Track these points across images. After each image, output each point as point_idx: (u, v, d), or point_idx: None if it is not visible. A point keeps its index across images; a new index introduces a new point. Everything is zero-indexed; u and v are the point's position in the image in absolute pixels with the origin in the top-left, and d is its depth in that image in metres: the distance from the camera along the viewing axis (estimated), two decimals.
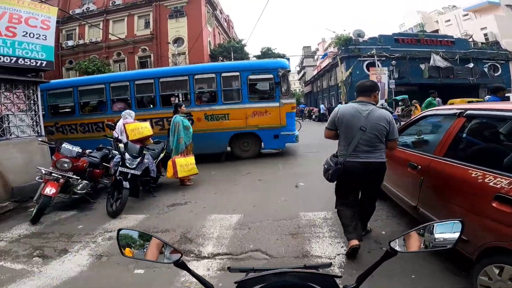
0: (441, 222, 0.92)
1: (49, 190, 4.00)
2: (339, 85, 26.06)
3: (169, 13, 26.98)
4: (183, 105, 5.78)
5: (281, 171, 6.50)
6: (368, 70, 22.86)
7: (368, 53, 23.62)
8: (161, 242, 0.93)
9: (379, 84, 21.12)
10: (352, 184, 2.71)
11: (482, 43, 28.06)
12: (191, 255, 2.92)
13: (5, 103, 5.38)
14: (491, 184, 1.83)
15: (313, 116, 27.91)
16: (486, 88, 22.97)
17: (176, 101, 7.82)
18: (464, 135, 2.47)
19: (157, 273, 2.65)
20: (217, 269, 2.65)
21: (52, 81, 7.95)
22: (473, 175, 1.98)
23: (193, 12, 26.33)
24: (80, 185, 4.48)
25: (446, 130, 2.52)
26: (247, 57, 32.21)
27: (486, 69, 24.56)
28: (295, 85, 73.54)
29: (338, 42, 26.43)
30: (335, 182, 2.79)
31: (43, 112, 6.71)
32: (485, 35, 29.61)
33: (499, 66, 25.66)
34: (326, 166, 2.80)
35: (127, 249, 0.95)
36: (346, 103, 22.73)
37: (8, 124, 5.42)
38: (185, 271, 0.89)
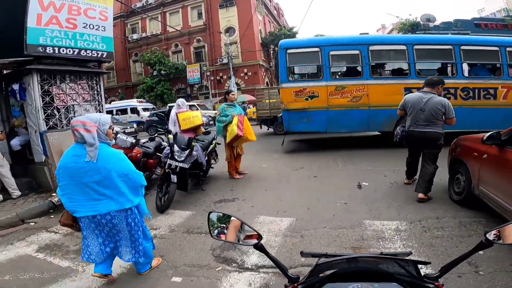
0: None
1: None
2: None
3: (219, 2, 27.20)
4: (232, 92, 5.40)
5: (340, 166, 5.74)
6: None
7: None
8: (240, 222, 0.98)
9: None
10: (412, 146, 4.05)
11: None
12: (233, 264, 2.57)
13: (70, 93, 5.69)
14: None
15: None
16: None
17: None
18: None
19: (194, 284, 2.38)
20: (260, 285, 2.26)
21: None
22: None
23: (242, 0, 26.15)
24: None
25: None
26: None
27: None
28: None
29: (403, 27, 23.65)
30: None
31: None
32: None
33: None
34: (395, 133, 4.10)
35: (215, 231, 1.00)
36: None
37: (74, 114, 5.74)
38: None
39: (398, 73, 6.95)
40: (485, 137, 2.96)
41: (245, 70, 26.64)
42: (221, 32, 25.39)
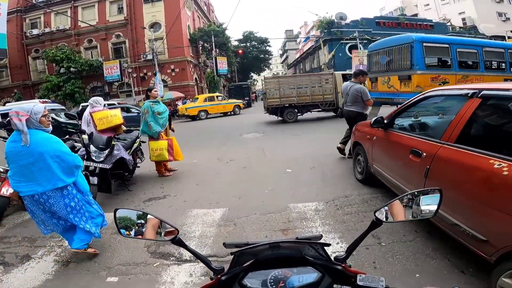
0: (421, 190, 0.92)
1: (6, 190, 3.54)
2: (322, 67, 26.13)
3: None
4: (155, 88, 5.27)
5: (267, 156, 6.18)
6: (351, 53, 23.21)
7: (351, 36, 23.78)
8: (158, 220, 0.93)
9: (361, 66, 21.46)
10: (346, 120, 5.30)
11: (460, 27, 28.87)
12: (171, 258, 2.58)
13: None
14: None
15: None
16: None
17: None
18: (480, 118, 2.13)
19: (132, 281, 2.33)
20: (200, 274, 2.34)
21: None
22: (496, 165, 1.69)
23: None
24: None
25: (457, 112, 2.20)
26: (228, 41, 31.30)
27: None
28: (278, 68, 73.31)
29: (321, 25, 26.52)
30: None
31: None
32: (463, 19, 30.50)
33: None
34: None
35: (123, 230, 0.94)
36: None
37: None
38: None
39: (499, 68, 8.96)
40: (372, 122, 3.40)
41: (172, 67, 25.63)
42: (145, 28, 23.93)
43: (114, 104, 14.87)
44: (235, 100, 20.23)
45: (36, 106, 2.43)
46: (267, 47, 41.53)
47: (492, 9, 31.53)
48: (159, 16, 25.52)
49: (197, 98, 19.01)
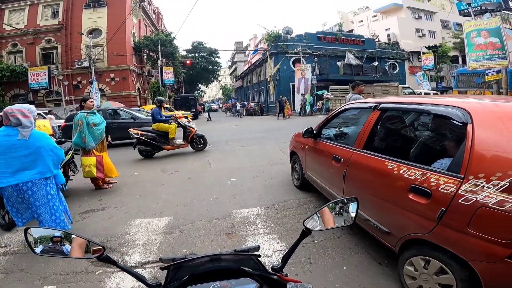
0: (339, 200, 1.02)
1: None
2: (268, 80, 26.87)
3: (85, 2, 24.12)
4: (91, 99, 5.01)
5: (212, 167, 6.32)
6: (294, 66, 24.08)
7: (295, 50, 24.83)
8: (79, 237, 0.88)
9: (303, 79, 22.68)
10: None
11: (385, 43, 31.72)
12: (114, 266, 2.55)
13: None
14: (405, 175, 1.89)
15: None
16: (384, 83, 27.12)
17: None
18: (380, 127, 2.56)
19: None
20: (148, 278, 2.36)
21: None
22: (389, 167, 2.06)
23: (116, 2, 24.04)
24: None
25: (364, 123, 2.62)
26: (177, 51, 30.71)
27: (387, 67, 28.22)
28: (226, 80, 73.86)
29: (268, 38, 27.19)
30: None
31: None
32: (388, 35, 33.27)
33: (397, 64, 29.76)
34: None
35: (39, 248, 0.88)
36: (275, 96, 23.62)
37: None
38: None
39: None
40: (303, 132, 3.71)
41: (112, 75, 24.07)
42: (82, 34, 22.23)
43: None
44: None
45: (32, 106, 2.88)
46: (216, 58, 41.61)
47: (412, 25, 33.45)
48: (101, 22, 24.10)
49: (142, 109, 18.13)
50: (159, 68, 26.11)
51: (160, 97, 8.45)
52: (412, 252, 1.86)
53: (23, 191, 2.74)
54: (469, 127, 1.63)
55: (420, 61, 27.09)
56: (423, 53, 25.94)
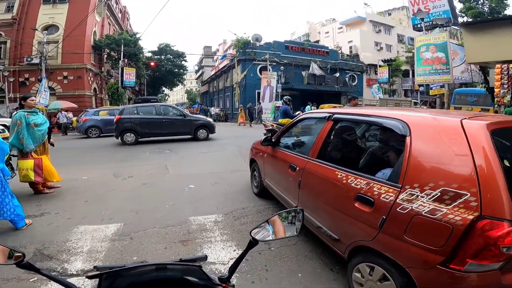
0: (287, 211, 1.04)
1: None
2: (234, 86, 26.79)
3: None
4: (32, 97, 4.57)
5: (170, 173, 6.11)
6: (261, 74, 24.19)
7: (262, 57, 25.04)
8: (4, 247, 0.84)
9: (268, 87, 22.87)
10: None
11: (347, 55, 32.86)
12: (53, 273, 2.32)
13: None
14: (353, 185, 1.98)
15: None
16: (346, 96, 28.08)
17: None
18: (333, 137, 2.67)
19: None
20: (92, 287, 2.20)
21: None
22: (339, 176, 2.16)
23: None
24: None
25: (318, 132, 2.71)
26: (141, 52, 29.52)
27: (347, 79, 29.40)
28: (192, 84, 72.50)
29: (237, 45, 27.04)
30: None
31: None
32: (350, 47, 34.05)
33: (356, 76, 31.10)
34: None
35: None
36: (240, 104, 23.44)
37: None
38: None
39: None
40: (262, 140, 3.79)
41: (65, 73, 22.38)
42: (36, 29, 20.62)
43: None
44: None
45: None
46: (183, 62, 40.60)
47: (372, 39, 33.97)
48: (59, 18, 22.55)
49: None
50: (120, 69, 24.86)
51: (288, 96, 9.21)
52: (359, 259, 1.93)
53: None
54: (408, 139, 1.76)
55: (377, 74, 28.42)
56: (380, 66, 27.30)
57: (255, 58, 25.49)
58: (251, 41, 26.68)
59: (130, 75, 25.10)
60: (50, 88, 20.39)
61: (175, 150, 8.86)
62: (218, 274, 0.89)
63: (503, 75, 7.53)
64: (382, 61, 28.45)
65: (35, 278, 2.28)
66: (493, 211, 1.33)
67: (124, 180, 5.49)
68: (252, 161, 4.58)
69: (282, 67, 25.26)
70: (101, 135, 13.95)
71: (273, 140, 3.67)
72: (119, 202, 4.22)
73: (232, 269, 0.90)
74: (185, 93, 68.83)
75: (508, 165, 1.46)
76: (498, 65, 7.61)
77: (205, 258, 0.93)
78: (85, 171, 6.16)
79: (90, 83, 24.23)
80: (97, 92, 26.16)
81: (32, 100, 4.51)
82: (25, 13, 22.39)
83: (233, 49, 33.00)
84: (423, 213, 1.51)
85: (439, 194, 1.49)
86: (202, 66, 59.35)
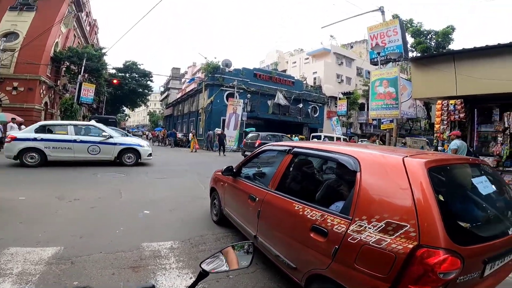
0: (238, 244, 1.07)
1: None
2: (200, 111, 26.40)
3: (13, 4, 21.26)
4: None
5: (123, 197, 5.73)
6: (227, 100, 24.07)
7: (230, 84, 24.96)
8: None
9: (234, 114, 22.77)
10: None
11: (311, 86, 33.40)
12: None
13: None
14: (308, 216, 2.09)
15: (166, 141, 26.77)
16: (307, 127, 28.13)
17: None
18: (292, 170, 2.81)
19: None
20: None
21: None
22: (296, 207, 2.26)
23: (48, 7, 21.51)
24: None
25: (279, 165, 2.83)
26: (105, 68, 28.36)
27: (309, 110, 29.65)
28: (156, 105, 70.46)
29: (207, 69, 26.77)
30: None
31: None
32: (315, 79, 34.40)
33: (318, 108, 31.48)
34: None
35: None
36: (204, 129, 22.87)
37: None
38: None
39: None
40: (223, 170, 3.79)
41: (16, 84, 20.52)
42: None
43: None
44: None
45: None
46: (149, 82, 39.42)
47: (334, 71, 34.23)
48: (21, 26, 21.13)
49: None
50: (78, 84, 23.48)
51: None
52: (315, 286, 1.99)
53: None
54: (358, 174, 1.92)
55: (336, 106, 29.13)
56: (339, 98, 28.02)
57: (223, 84, 25.43)
58: (221, 66, 26.52)
59: (88, 91, 23.82)
60: None
61: (132, 175, 8.40)
62: None
63: (443, 111, 7.78)
64: (342, 93, 29.37)
65: None
66: (430, 240, 1.48)
67: (69, 202, 5.04)
68: (213, 190, 4.55)
69: (249, 95, 25.32)
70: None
71: (234, 170, 3.71)
72: (61, 225, 3.85)
73: None
74: (148, 114, 66.72)
75: (443, 199, 1.66)
76: (439, 101, 7.98)
77: (152, 287, 0.87)
78: (23, 190, 5.55)
79: (42, 96, 22.38)
80: (48, 107, 24.15)
81: None
82: None
83: (202, 73, 32.67)
84: (370, 243, 1.63)
85: (384, 225, 1.63)
86: (169, 88, 58.41)
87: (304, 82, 33.23)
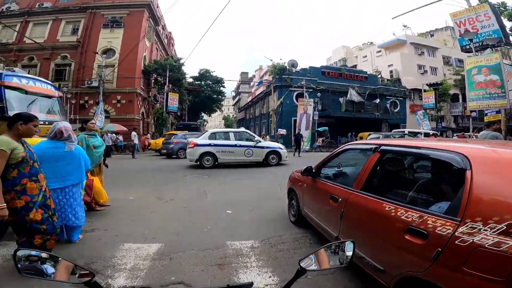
0: (338, 242, 1.05)
1: None
2: (271, 113, 26.72)
3: (104, 22, 25.00)
4: (92, 121, 5.08)
5: (208, 198, 6.24)
6: (297, 101, 23.83)
7: (299, 84, 24.68)
8: (70, 263, 0.90)
9: (305, 114, 22.40)
10: None
11: (387, 79, 30.96)
12: None
13: None
14: (403, 217, 1.97)
15: None
16: (387, 123, 26.04)
17: None
18: (379, 169, 2.63)
19: None
20: None
21: None
22: (387, 208, 2.11)
23: (132, 24, 24.90)
24: None
25: (363, 164, 2.69)
26: (184, 77, 31.22)
27: (388, 105, 27.19)
28: (229, 110, 74.66)
29: (274, 71, 27.12)
30: None
31: None
32: (391, 72, 32.11)
33: (398, 102, 28.80)
34: None
35: (24, 268, 0.89)
36: (276, 131, 23.06)
37: None
38: None
39: None
40: (302, 170, 3.78)
41: (119, 97, 24.21)
42: (97, 53, 22.62)
43: None
44: None
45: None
46: (221, 88, 41.19)
47: (414, 62, 31.99)
48: (116, 42, 24.59)
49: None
50: (165, 94, 26.17)
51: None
52: None
53: (65, 193, 3.34)
54: (468, 172, 1.69)
55: (421, 99, 26.48)
56: (425, 90, 25.42)
57: (291, 85, 25.28)
58: (287, 67, 26.45)
59: (173, 101, 26.34)
60: (105, 111, 21.99)
61: (213, 176, 9.07)
62: None
63: None
64: (427, 85, 26.68)
65: None
66: None
67: (166, 202, 5.74)
68: (291, 190, 4.56)
69: (319, 93, 24.67)
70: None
71: (313, 170, 3.66)
72: (160, 222, 4.39)
73: None
74: (223, 119, 71.03)
75: None
76: None
77: (251, 284, 0.94)
78: (131, 192, 6.54)
79: (139, 107, 25.86)
80: (145, 116, 27.86)
81: (92, 123, 5.01)
82: (88, 36, 24.68)
83: (269, 75, 33.11)
84: (486, 245, 1.46)
85: (505, 227, 1.44)
86: (239, 92, 60.82)
87: (379, 76, 31.01)
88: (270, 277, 2.79)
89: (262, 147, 11.17)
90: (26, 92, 7.06)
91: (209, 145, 10.57)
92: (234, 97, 69.17)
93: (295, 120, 23.57)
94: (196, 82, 38.99)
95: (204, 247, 3.45)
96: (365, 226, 2.40)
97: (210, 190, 6.93)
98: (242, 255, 3.27)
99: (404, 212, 1.97)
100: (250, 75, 59.52)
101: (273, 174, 9.52)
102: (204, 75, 39.51)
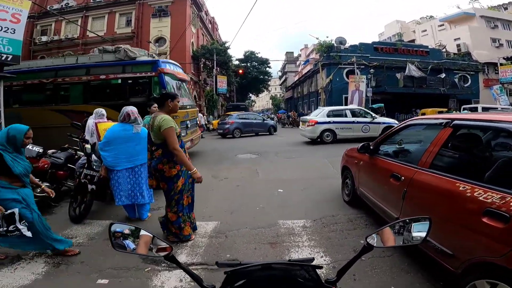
0: (411, 219, 0.97)
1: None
2: (319, 91, 26.08)
3: (152, 12, 26.28)
4: (154, 105, 5.16)
5: (260, 176, 6.35)
6: (348, 78, 22.92)
7: (348, 61, 23.65)
8: (150, 236, 0.95)
9: (357, 91, 21.38)
10: None
11: (454, 53, 28.40)
12: (162, 264, 2.69)
13: None
14: (480, 198, 1.77)
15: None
16: (455, 99, 23.92)
17: None
18: (451, 146, 2.38)
19: (122, 284, 2.44)
20: (190, 280, 2.45)
21: None
22: (461, 188, 1.91)
23: (178, 12, 25.72)
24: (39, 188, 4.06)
25: (432, 140, 2.44)
26: (230, 60, 31.76)
27: (456, 80, 24.95)
28: (276, 90, 74.28)
29: (320, 49, 26.13)
30: None
31: None
32: (458, 46, 29.45)
33: (469, 77, 26.36)
34: None
35: (119, 243, 0.95)
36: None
37: None
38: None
39: None
40: (359, 147, 3.65)
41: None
42: (150, 42, 24.08)
43: None
44: None
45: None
46: (267, 68, 41.25)
47: (486, 35, 29.64)
48: (165, 31, 25.75)
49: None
50: (214, 77, 27.05)
51: None
52: (477, 275, 1.75)
53: (135, 172, 3.64)
54: None
55: (497, 73, 23.94)
56: (501, 64, 23.00)
57: (340, 62, 24.26)
58: (335, 45, 25.42)
59: (222, 83, 27.15)
60: None
61: (264, 155, 9.17)
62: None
63: None
64: (504, 58, 23.78)
65: (149, 268, 2.65)
66: None
67: (221, 181, 6.00)
68: (344, 169, 4.39)
69: (372, 70, 23.25)
70: (242, 135, 16.10)
71: (371, 147, 3.45)
72: (216, 201, 4.62)
73: (341, 272, 0.90)
74: (270, 99, 70.91)
75: None
76: None
77: (312, 260, 0.94)
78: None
79: (191, 91, 27.34)
80: (197, 99, 29.29)
81: (155, 107, 5.18)
82: (140, 27, 26.17)
83: (316, 53, 32.09)
84: None
85: None
86: (285, 72, 59.97)
87: (443, 50, 28.17)
88: (322, 257, 2.77)
89: (379, 123, 11.54)
90: (175, 78, 7.60)
91: (329, 122, 11.17)
92: (280, 77, 68.42)
93: (346, 98, 22.65)
94: (242, 64, 39.41)
95: (257, 225, 3.55)
96: (432, 207, 2.20)
97: (262, 169, 7.03)
98: (294, 234, 3.29)
99: (483, 193, 1.76)
100: (295, 55, 57.96)
101: (325, 151, 9.27)
102: (250, 57, 39.80)
